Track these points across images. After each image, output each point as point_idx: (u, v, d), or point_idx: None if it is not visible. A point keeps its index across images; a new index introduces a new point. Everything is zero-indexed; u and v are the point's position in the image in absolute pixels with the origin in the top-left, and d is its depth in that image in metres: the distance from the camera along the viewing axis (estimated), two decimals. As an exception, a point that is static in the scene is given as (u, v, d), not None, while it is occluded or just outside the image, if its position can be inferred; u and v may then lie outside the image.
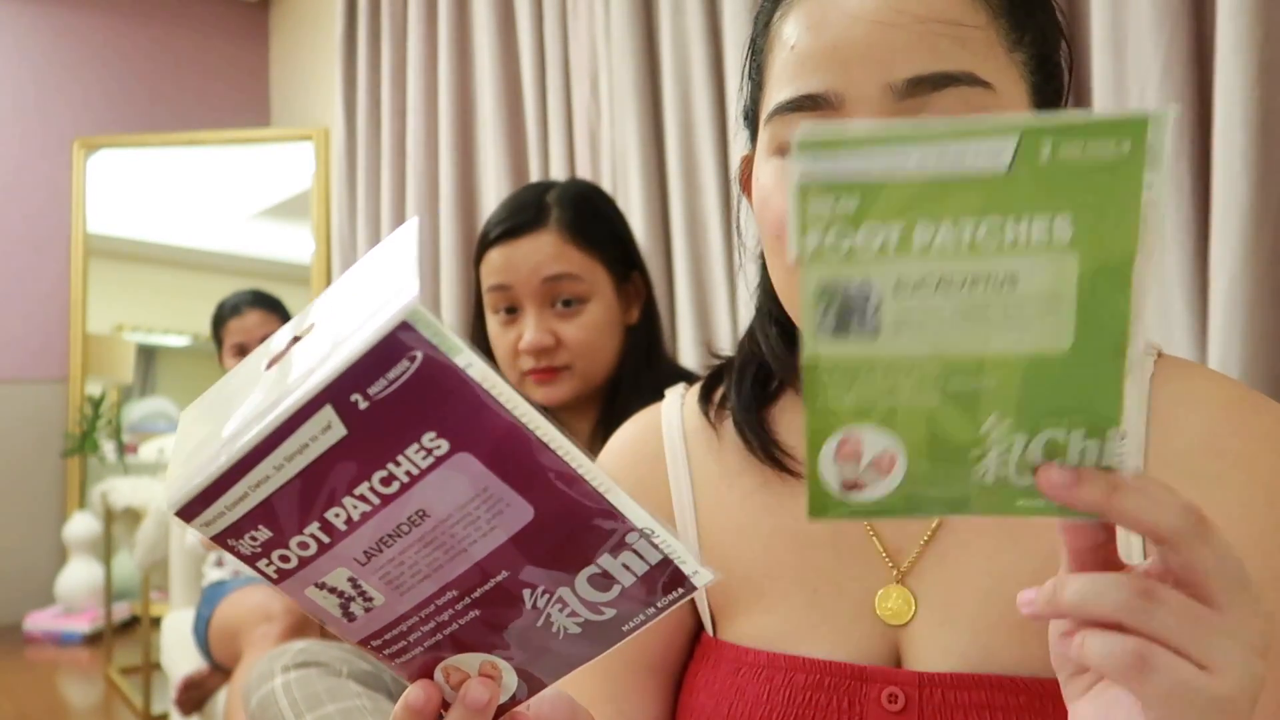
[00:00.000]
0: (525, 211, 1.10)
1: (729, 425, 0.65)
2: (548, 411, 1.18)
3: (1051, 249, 0.32)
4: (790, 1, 0.53)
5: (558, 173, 2.14)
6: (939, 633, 0.55)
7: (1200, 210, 1.07)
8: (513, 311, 1.10)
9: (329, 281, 3.27)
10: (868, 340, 0.34)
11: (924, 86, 0.49)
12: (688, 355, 1.73)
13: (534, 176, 2.24)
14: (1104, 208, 0.31)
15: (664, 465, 0.66)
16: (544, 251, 1.07)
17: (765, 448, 0.61)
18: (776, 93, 0.53)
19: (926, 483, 0.36)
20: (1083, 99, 1.21)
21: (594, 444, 1.14)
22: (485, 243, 1.12)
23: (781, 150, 0.53)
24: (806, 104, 0.51)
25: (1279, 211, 0.99)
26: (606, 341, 1.10)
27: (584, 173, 2.05)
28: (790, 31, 0.52)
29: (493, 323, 1.13)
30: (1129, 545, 0.53)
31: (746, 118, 0.61)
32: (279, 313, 2.07)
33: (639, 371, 1.11)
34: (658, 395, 1.03)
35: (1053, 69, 0.54)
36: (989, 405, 0.35)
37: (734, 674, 0.59)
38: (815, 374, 0.36)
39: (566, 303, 1.08)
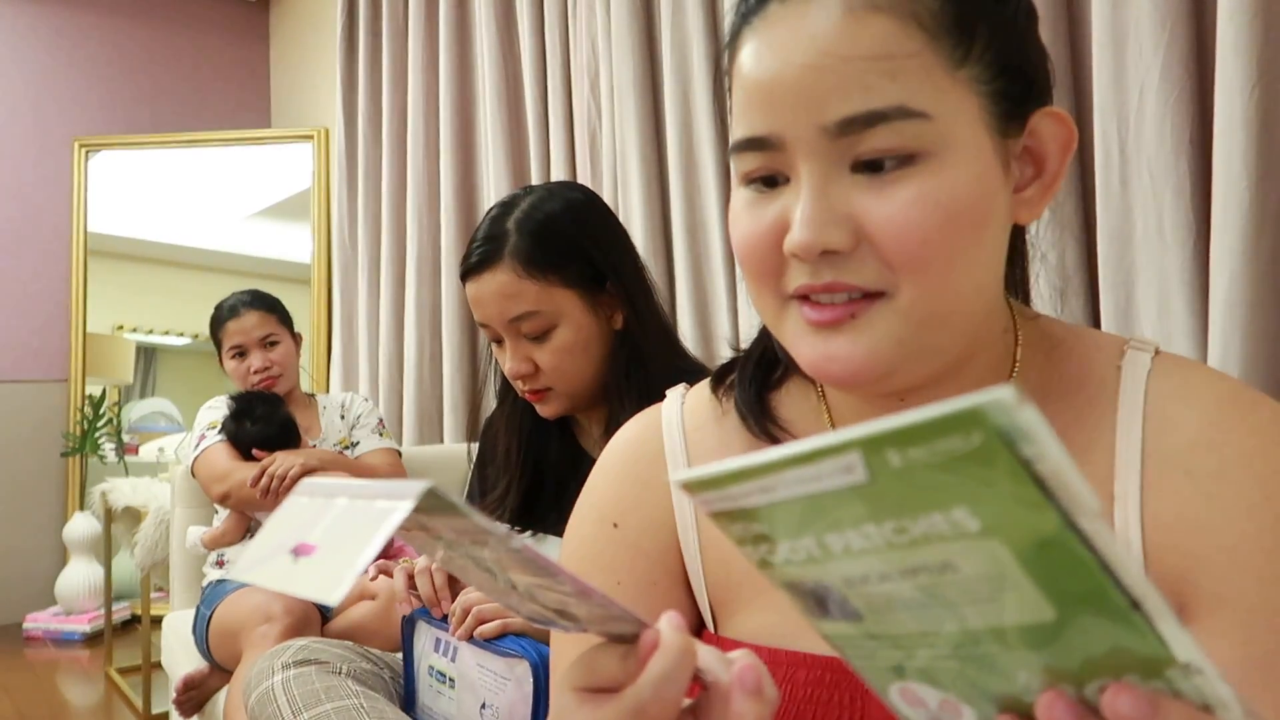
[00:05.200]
0: (486, 244, 1.12)
1: (733, 421, 0.65)
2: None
3: (968, 538, 0.29)
4: (746, 31, 0.54)
5: (558, 173, 2.14)
6: None
7: (1200, 210, 1.07)
8: (498, 340, 1.16)
9: (329, 281, 3.27)
10: (857, 622, 0.34)
11: (855, 125, 0.48)
12: (688, 355, 1.73)
13: (534, 176, 2.24)
14: (994, 495, 0.27)
15: (663, 465, 0.66)
16: (503, 292, 1.10)
17: (760, 423, 0.62)
18: (735, 125, 0.54)
19: None
20: (1083, 99, 1.21)
21: (604, 444, 1.14)
22: (461, 274, 1.17)
23: (743, 181, 0.55)
24: (754, 145, 0.52)
25: (1279, 211, 0.99)
26: (580, 358, 1.13)
27: (584, 173, 2.05)
28: (743, 61, 0.53)
29: (494, 347, 1.19)
30: (1127, 531, 0.53)
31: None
32: (278, 313, 2.07)
33: (629, 374, 1.12)
34: (655, 394, 1.04)
35: (1018, 69, 0.52)
36: (1011, 665, 0.32)
37: None
38: (832, 645, 0.36)
39: (535, 337, 1.12)
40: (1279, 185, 0.99)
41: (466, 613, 0.99)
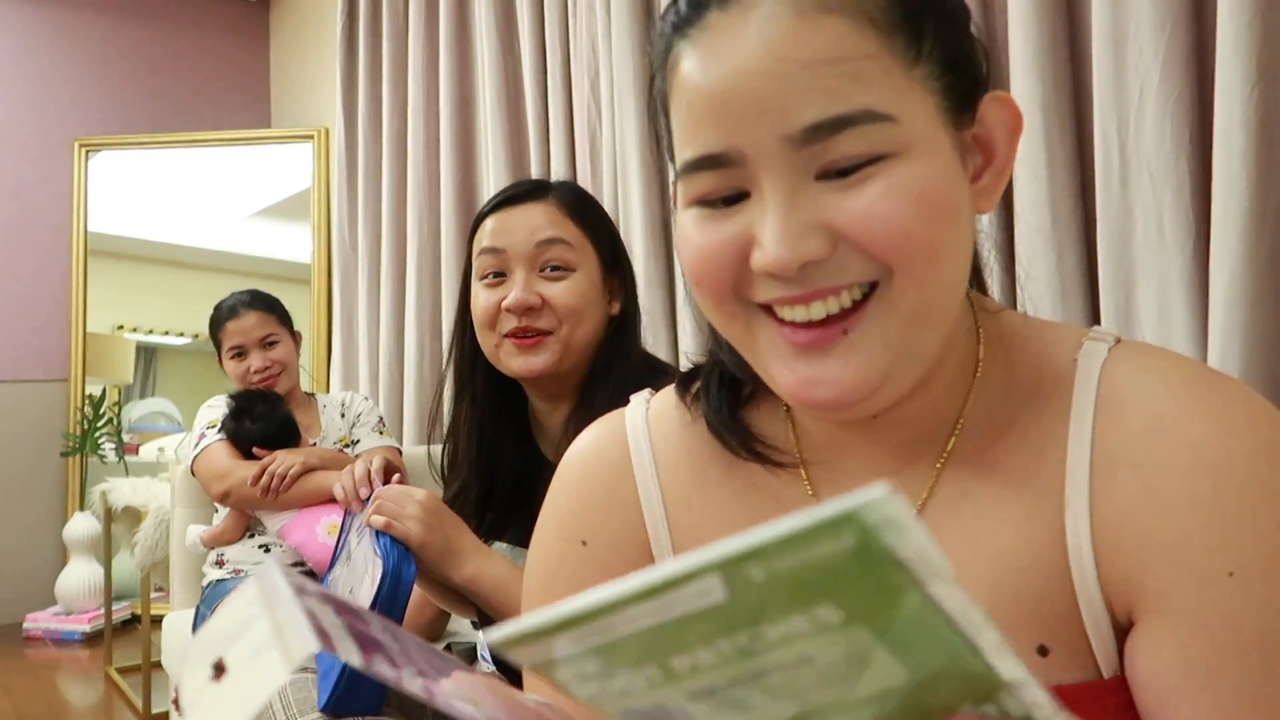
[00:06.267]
0: (525, 185, 1.14)
1: (701, 429, 0.62)
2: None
3: (829, 631, 0.29)
4: (682, 45, 0.50)
5: (558, 173, 2.14)
6: None
7: (1200, 210, 1.07)
8: (500, 276, 1.10)
9: (329, 281, 3.27)
10: None
11: (821, 132, 0.46)
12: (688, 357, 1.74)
13: (533, 176, 2.24)
14: (859, 587, 0.27)
15: (630, 477, 0.64)
16: (541, 217, 1.10)
17: (746, 444, 0.60)
18: (682, 145, 0.51)
19: None
20: (1083, 99, 1.21)
21: (566, 439, 1.12)
22: (482, 213, 1.14)
23: (693, 203, 0.51)
24: (710, 163, 0.49)
25: (1279, 211, 0.99)
26: (589, 312, 1.10)
27: (584, 173, 2.06)
28: (686, 76, 0.50)
29: (478, 287, 1.12)
30: (1078, 537, 0.51)
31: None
32: (277, 313, 2.07)
33: (613, 361, 1.11)
34: (629, 390, 1.05)
35: (965, 61, 0.51)
36: None
37: None
38: None
39: (555, 268, 1.09)
40: (1279, 185, 0.99)
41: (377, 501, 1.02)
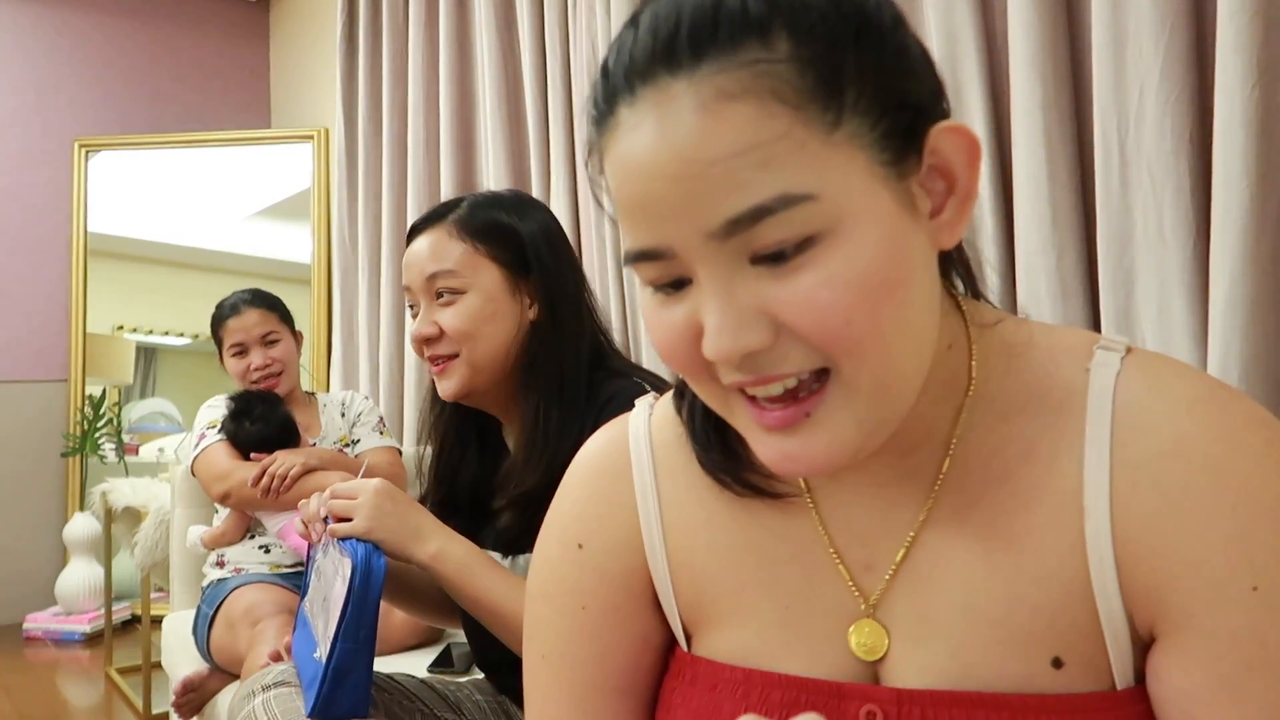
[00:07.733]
0: (430, 212, 1.16)
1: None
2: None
3: None
4: (603, 141, 0.50)
5: (557, 173, 2.14)
6: (916, 653, 0.54)
7: (1200, 210, 1.07)
8: (415, 308, 1.16)
9: (329, 281, 3.27)
10: None
11: (741, 225, 0.45)
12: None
13: (534, 176, 2.24)
14: None
15: (630, 483, 0.64)
16: (431, 249, 1.12)
17: (740, 479, 0.59)
18: (623, 235, 0.51)
19: None
20: (1083, 99, 1.21)
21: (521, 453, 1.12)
22: (406, 240, 1.17)
23: (646, 285, 0.52)
24: (645, 257, 0.49)
25: (1279, 211, 0.99)
26: (485, 328, 1.11)
27: (584, 173, 2.05)
28: (610, 174, 0.50)
29: (409, 317, 1.18)
30: (1099, 545, 0.51)
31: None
32: (278, 311, 2.07)
33: (533, 366, 1.11)
34: (569, 397, 1.06)
35: (901, 96, 0.48)
36: None
37: (710, 691, 0.58)
38: None
39: (446, 294, 1.12)
40: (1279, 185, 0.99)
41: (326, 515, 1.03)
